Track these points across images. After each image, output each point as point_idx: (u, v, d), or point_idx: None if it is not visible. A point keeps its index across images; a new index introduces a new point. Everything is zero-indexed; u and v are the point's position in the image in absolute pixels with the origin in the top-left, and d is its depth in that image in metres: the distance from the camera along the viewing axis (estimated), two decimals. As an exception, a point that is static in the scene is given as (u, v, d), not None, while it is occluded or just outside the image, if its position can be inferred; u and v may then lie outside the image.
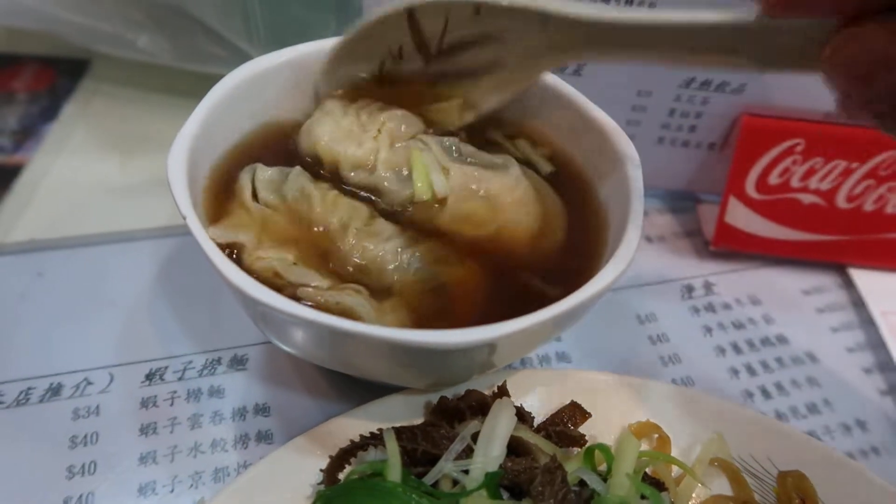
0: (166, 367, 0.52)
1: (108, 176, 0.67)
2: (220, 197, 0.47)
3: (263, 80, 0.51)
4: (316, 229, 0.45)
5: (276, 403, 0.51)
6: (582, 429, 0.44)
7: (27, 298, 0.55)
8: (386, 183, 0.47)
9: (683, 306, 0.61)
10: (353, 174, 0.48)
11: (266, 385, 0.52)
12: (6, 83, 0.75)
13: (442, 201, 0.46)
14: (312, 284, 0.42)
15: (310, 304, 0.40)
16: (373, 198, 0.48)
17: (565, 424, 0.44)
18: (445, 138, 0.49)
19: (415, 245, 0.45)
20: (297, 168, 0.47)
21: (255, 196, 0.46)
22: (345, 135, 0.48)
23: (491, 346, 0.39)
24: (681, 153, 0.66)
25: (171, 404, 0.50)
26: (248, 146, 0.51)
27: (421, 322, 0.41)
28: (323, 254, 0.44)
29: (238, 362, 0.53)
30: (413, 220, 0.46)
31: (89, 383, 0.51)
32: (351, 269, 0.44)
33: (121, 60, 0.77)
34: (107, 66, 0.78)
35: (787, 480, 0.42)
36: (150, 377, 0.52)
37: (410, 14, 0.46)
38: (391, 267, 0.44)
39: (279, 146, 0.51)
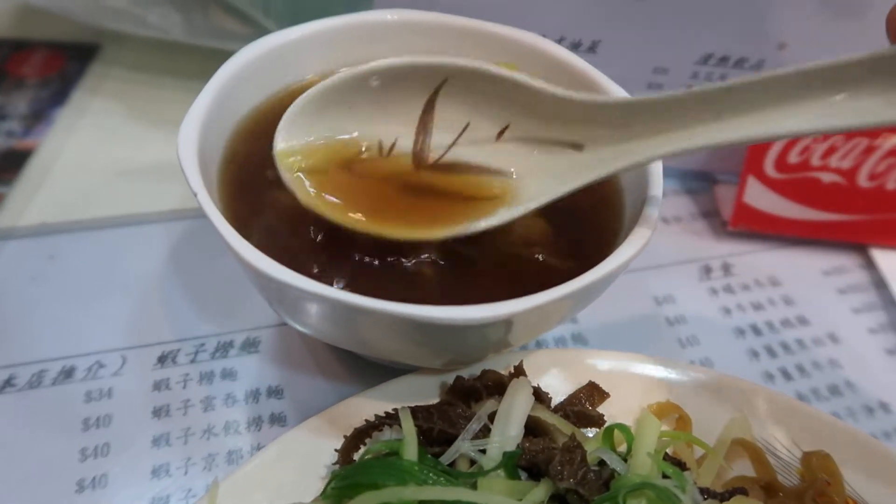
0: (178, 350, 0.52)
1: (119, 159, 0.66)
2: (235, 177, 0.46)
3: (280, 56, 0.50)
4: None
5: (289, 386, 0.50)
6: (600, 409, 0.43)
7: (39, 282, 0.55)
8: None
9: (701, 288, 0.60)
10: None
11: (279, 367, 0.51)
12: (16, 68, 0.74)
13: None
14: None
15: None
16: None
17: (583, 405, 0.43)
18: None
19: None
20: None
21: None
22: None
23: (507, 324, 0.38)
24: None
25: (184, 387, 0.50)
26: (264, 123, 0.50)
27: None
28: None
29: (251, 345, 0.52)
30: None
31: (102, 366, 0.50)
32: None
33: (131, 44, 0.77)
34: (117, 50, 0.77)
35: (812, 461, 0.41)
36: (162, 360, 0.51)
37: (429, 102, 0.42)
38: None
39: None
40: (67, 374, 0.50)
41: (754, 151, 0.61)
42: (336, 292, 0.35)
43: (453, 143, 0.44)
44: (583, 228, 0.46)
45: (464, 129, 0.44)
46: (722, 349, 0.56)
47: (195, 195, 0.40)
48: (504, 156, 0.44)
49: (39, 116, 0.69)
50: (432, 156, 0.44)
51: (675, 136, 0.38)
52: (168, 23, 0.68)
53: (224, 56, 0.47)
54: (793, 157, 0.60)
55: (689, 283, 0.61)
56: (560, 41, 0.58)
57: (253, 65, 0.49)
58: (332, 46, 0.52)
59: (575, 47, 0.58)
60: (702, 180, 0.69)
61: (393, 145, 0.45)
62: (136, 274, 0.56)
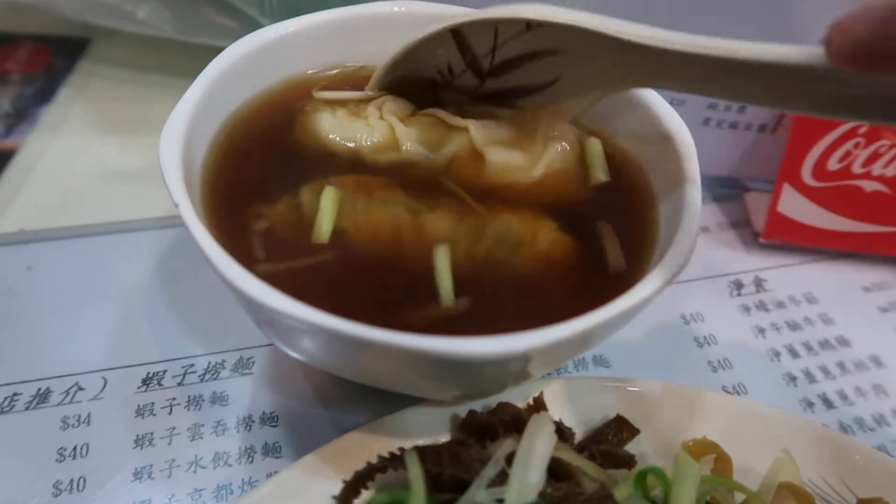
0: (165, 371, 0.47)
1: (106, 161, 0.62)
2: (220, 187, 0.42)
3: (275, 51, 0.46)
4: None
5: (285, 412, 0.46)
6: (629, 447, 0.39)
7: (14, 294, 0.51)
8: (414, 152, 0.45)
9: (732, 304, 0.56)
10: (382, 157, 0.44)
11: (274, 392, 0.47)
12: (-1, 63, 0.70)
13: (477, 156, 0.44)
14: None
15: None
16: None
17: (611, 442, 0.38)
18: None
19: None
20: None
21: None
22: (348, 123, 0.45)
23: (527, 357, 0.34)
24: (728, 136, 0.61)
25: (170, 412, 0.45)
26: (254, 127, 0.46)
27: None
28: None
29: (243, 366, 0.48)
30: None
31: (80, 389, 0.46)
32: None
33: (121, 39, 0.72)
34: (106, 45, 0.73)
35: (869, 510, 0.37)
36: (146, 382, 0.47)
37: (456, 33, 0.43)
38: None
39: (289, 128, 0.46)
40: (42, 397, 0.46)
41: (791, 157, 0.56)
42: (334, 321, 0.31)
43: (494, 48, 0.43)
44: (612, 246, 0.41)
45: (496, 39, 0.42)
46: (756, 373, 0.51)
47: (177, 206, 0.35)
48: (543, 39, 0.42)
49: (23, 115, 0.65)
50: (485, 63, 0.44)
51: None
52: (159, 19, 0.64)
53: (218, 53, 0.43)
54: (832, 164, 0.55)
55: (718, 300, 0.56)
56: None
57: (245, 61, 0.45)
58: (331, 41, 0.48)
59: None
60: (731, 187, 0.64)
61: (449, 66, 0.45)
62: (120, 287, 0.52)
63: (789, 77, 0.30)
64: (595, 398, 0.41)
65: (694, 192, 0.39)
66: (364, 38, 0.49)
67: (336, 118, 0.45)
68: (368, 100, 0.47)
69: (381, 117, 0.45)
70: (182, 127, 0.39)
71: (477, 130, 0.44)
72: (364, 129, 0.45)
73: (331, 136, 0.45)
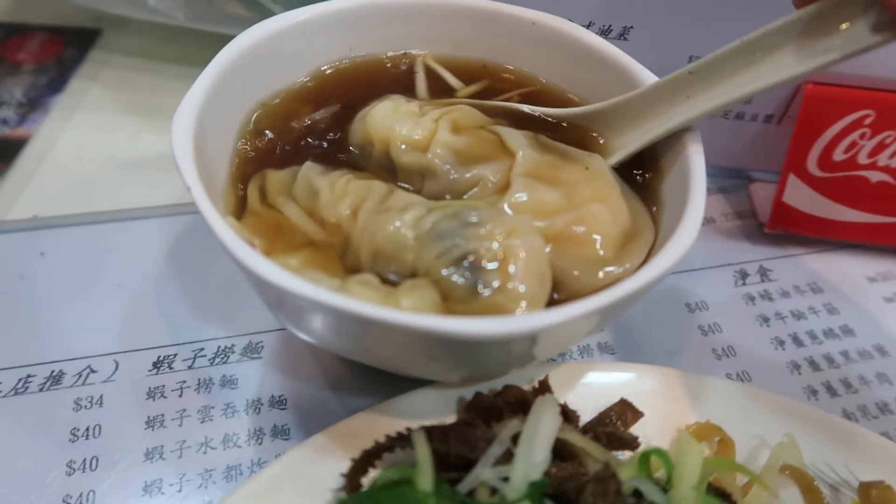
0: (175, 355, 0.48)
1: (117, 150, 0.63)
2: (245, 172, 0.43)
3: (286, 39, 0.46)
4: (329, 224, 0.40)
5: (293, 395, 0.46)
6: (633, 430, 0.39)
7: (28, 280, 0.52)
8: (438, 162, 0.42)
9: (737, 294, 0.56)
10: (403, 154, 0.43)
11: (283, 375, 0.47)
12: (12, 53, 0.71)
13: (503, 188, 0.41)
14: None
15: None
16: (413, 188, 0.43)
17: (615, 425, 0.39)
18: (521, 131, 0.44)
19: (441, 208, 0.39)
20: (307, 164, 0.43)
21: (266, 200, 0.42)
22: (402, 115, 0.44)
23: (532, 339, 0.34)
24: (733, 126, 0.61)
25: (180, 395, 0.46)
26: (272, 115, 0.46)
27: (451, 308, 0.37)
28: (341, 251, 0.40)
29: (253, 350, 0.49)
30: None
31: (93, 371, 0.47)
32: (365, 258, 0.39)
33: (132, 29, 0.73)
34: (117, 35, 0.74)
35: (871, 493, 0.37)
36: (157, 365, 0.48)
37: None
38: (411, 240, 0.38)
39: (307, 112, 0.47)
40: (56, 379, 0.46)
41: (796, 148, 0.56)
42: (342, 301, 0.31)
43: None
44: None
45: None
46: (760, 361, 0.51)
47: (189, 189, 0.36)
48: None
49: (35, 104, 0.66)
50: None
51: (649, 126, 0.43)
52: (170, 6, 0.65)
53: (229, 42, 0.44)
54: (838, 155, 0.56)
55: (723, 289, 0.56)
56: (588, 26, 0.53)
57: (257, 50, 0.45)
58: (344, 29, 0.49)
59: (604, 33, 0.54)
60: (735, 178, 0.65)
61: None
62: (132, 272, 0.52)
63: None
64: (600, 382, 0.42)
65: (699, 178, 0.39)
66: (378, 27, 0.49)
67: (398, 107, 0.45)
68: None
69: (437, 119, 0.44)
70: (193, 113, 0.40)
71: (524, 157, 0.42)
72: (409, 122, 0.44)
73: (377, 118, 0.44)
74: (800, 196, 0.58)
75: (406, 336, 0.33)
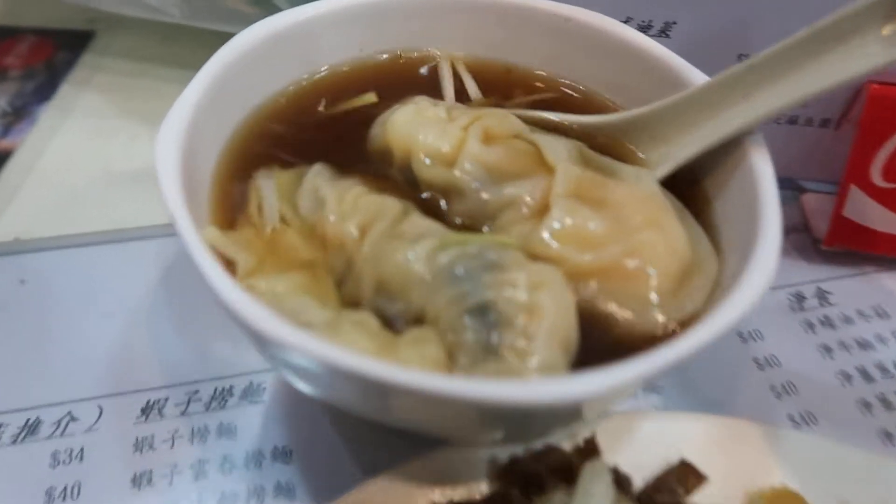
0: (167, 399, 0.43)
1: (110, 162, 0.58)
2: (233, 194, 0.37)
3: (291, 38, 0.41)
4: (332, 242, 0.35)
5: (299, 447, 0.41)
6: (697, 497, 0.34)
7: (4, 311, 0.46)
8: (467, 179, 0.37)
9: (794, 320, 0.50)
10: (426, 168, 0.37)
11: (287, 423, 0.42)
12: (-2, 58, 0.66)
13: (542, 211, 0.35)
14: (300, 319, 0.31)
15: None
16: (443, 206, 0.38)
17: (675, 492, 0.33)
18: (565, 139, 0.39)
19: (459, 243, 0.34)
20: (316, 167, 0.37)
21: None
22: (427, 121, 0.38)
23: (578, 407, 0.29)
24: (785, 132, 0.55)
25: (172, 446, 0.41)
26: (276, 118, 0.41)
27: (456, 368, 0.31)
28: (340, 276, 0.34)
29: (254, 392, 0.43)
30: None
31: (73, 419, 0.42)
32: (366, 289, 0.34)
33: (127, 30, 0.68)
34: (111, 37, 0.68)
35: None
36: (146, 411, 0.42)
37: None
38: (421, 277, 0.33)
39: (317, 123, 0.41)
40: (31, 429, 0.41)
41: (858, 156, 0.50)
42: (356, 360, 0.26)
43: None
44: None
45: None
46: (826, 400, 0.45)
47: (174, 221, 0.31)
48: None
49: (21, 113, 0.61)
50: None
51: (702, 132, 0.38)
52: (167, 3, 0.59)
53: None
54: (908, 163, 0.50)
55: (778, 315, 0.50)
56: (626, 22, 0.48)
57: (258, 50, 0.40)
58: (355, 27, 0.43)
59: (644, 30, 0.48)
60: (785, 188, 0.58)
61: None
62: (122, 302, 0.47)
63: None
64: (652, 436, 0.36)
65: (768, 196, 0.34)
66: (392, 25, 0.44)
67: (422, 112, 0.39)
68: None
69: (466, 127, 0.38)
70: (183, 126, 0.35)
71: (565, 175, 0.36)
72: (435, 130, 0.38)
73: (398, 124, 0.39)
74: (862, 209, 0.52)
75: (408, 398, 0.28)
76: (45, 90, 0.63)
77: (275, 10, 0.46)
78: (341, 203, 0.36)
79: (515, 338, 0.30)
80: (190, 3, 0.59)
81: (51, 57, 0.66)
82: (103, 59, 0.67)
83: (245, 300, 0.28)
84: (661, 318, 0.32)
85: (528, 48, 0.46)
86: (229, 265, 0.34)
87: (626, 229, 0.34)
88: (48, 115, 0.61)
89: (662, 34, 0.49)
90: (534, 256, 0.33)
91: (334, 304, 0.34)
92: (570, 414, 0.30)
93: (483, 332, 0.31)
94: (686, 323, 0.32)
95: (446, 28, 0.46)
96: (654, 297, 0.32)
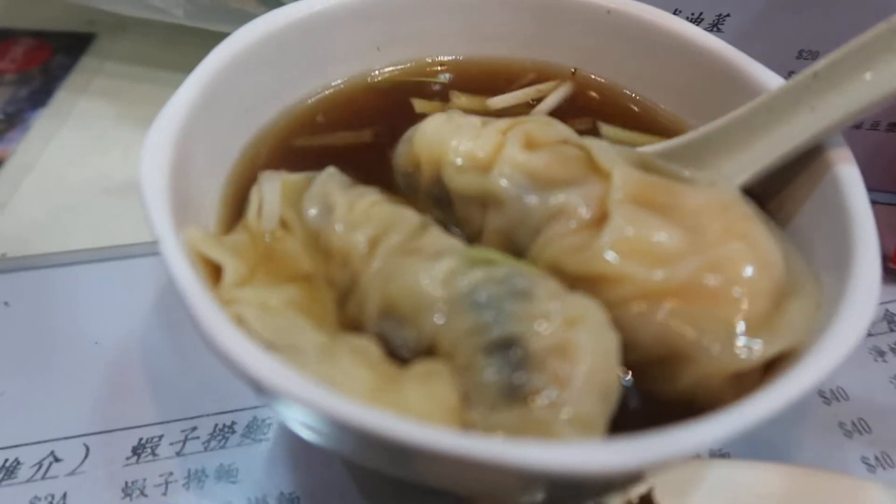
0: (160, 437, 0.38)
1: (106, 173, 0.53)
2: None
3: (295, 38, 0.37)
4: (336, 254, 0.30)
5: (307, 493, 0.36)
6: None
7: (-15, 338, 0.42)
8: (505, 185, 0.31)
9: (862, 348, 0.45)
10: (458, 175, 0.32)
11: (294, 464, 0.37)
12: (-8, 61, 0.62)
13: (598, 221, 0.30)
14: (288, 341, 0.27)
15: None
16: (471, 226, 0.33)
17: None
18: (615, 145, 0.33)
19: (485, 263, 0.29)
20: (329, 170, 0.33)
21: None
22: (459, 128, 0.33)
23: (628, 476, 0.24)
24: (848, 137, 0.49)
25: (165, 492, 0.36)
26: (281, 136, 0.37)
27: (470, 416, 0.26)
28: (342, 293, 0.30)
29: (257, 429, 0.39)
30: (541, 259, 0.30)
31: (56, 460, 0.37)
32: (371, 311, 0.29)
33: (129, 33, 0.64)
34: (112, 40, 0.64)
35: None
36: (137, 451, 0.38)
37: None
38: (438, 301, 0.28)
39: (328, 130, 0.37)
40: (9, 471, 0.37)
41: (930, 164, 0.45)
42: (380, 420, 0.21)
43: None
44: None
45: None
46: (904, 439, 0.40)
47: (157, 242, 0.26)
48: None
49: (13, 121, 0.57)
50: None
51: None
52: (170, 2, 0.55)
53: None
54: None
55: (843, 341, 0.45)
56: (675, 14, 0.43)
57: (259, 49, 0.36)
58: (369, 22, 0.39)
59: (695, 23, 0.44)
60: (843, 199, 0.53)
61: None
62: (114, 327, 0.43)
63: None
64: (715, 489, 0.31)
65: (862, 213, 0.29)
66: (413, 19, 0.39)
67: (453, 119, 0.34)
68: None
69: (505, 131, 0.33)
70: (172, 135, 0.30)
71: (623, 177, 0.30)
72: (469, 134, 0.33)
73: (427, 133, 0.34)
74: (934, 223, 0.47)
75: (416, 457, 0.23)
76: (40, 96, 0.59)
77: (276, 4, 0.42)
78: (351, 211, 0.31)
79: (545, 383, 0.25)
80: (194, 2, 0.55)
81: (48, 61, 0.62)
82: (103, 63, 0.62)
83: (217, 320, 0.23)
84: (751, 351, 0.27)
85: (564, 45, 0.41)
86: (216, 271, 0.29)
87: (705, 241, 0.28)
88: (42, 123, 0.57)
89: (714, 28, 0.44)
90: (588, 274, 0.28)
91: (332, 325, 0.29)
92: (619, 482, 0.25)
93: (506, 372, 0.26)
94: (784, 358, 0.27)
95: (475, 23, 0.41)
96: (742, 324, 0.27)
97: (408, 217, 0.31)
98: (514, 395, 0.25)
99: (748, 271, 0.27)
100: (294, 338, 0.27)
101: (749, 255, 0.28)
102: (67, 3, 0.59)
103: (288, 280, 0.30)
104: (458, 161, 0.32)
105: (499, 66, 0.42)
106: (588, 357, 0.26)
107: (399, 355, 0.28)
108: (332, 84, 0.40)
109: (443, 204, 0.33)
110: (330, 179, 0.33)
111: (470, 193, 0.32)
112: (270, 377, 0.23)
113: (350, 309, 0.30)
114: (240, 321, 0.27)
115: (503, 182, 0.31)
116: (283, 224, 0.31)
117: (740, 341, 0.27)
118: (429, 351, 0.28)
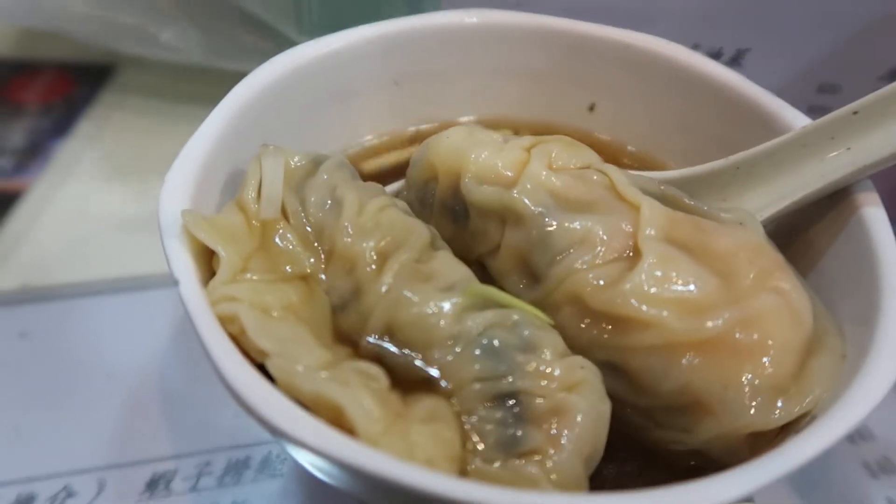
0: (175, 472, 0.38)
1: (125, 206, 0.54)
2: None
3: (314, 75, 0.37)
4: (340, 256, 0.30)
5: (323, 531, 0.36)
6: None
7: (1, 368, 0.42)
8: (527, 202, 0.30)
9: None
10: (477, 188, 0.31)
11: (309, 501, 0.37)
12: (15, 92, 0.63)
13: (624, 254, 0.29)
14: (292, 354, 0.26)
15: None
16: (487, 244, 0.33)
17: None
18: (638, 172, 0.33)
19: (496, 304, 0.28)
20: (337, 158, 0.33)
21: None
22: (479, 142, 0.33)
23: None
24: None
25: (179, 529, 0.36)
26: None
27: (466, 464, 0.26)
28: (342, 299, 0.29)
29: (273, 465, 0.38)
30: (554, 290, 0.30)
31: (70, 495, 0.37)
32: (374, 326, 0.28)
33: (150, 66, 0.65)
34: (134, 73, 0.65)
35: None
36: (151, 486, 0.37)
37: None
38: (446, 337, 0.27)
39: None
40: (23, 506, 0.37)
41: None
42: (375, 460, 0.21)
43: None
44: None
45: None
46: (932, 481, 0.39)
47: (176, 283, 0.26)
48: None
49: (36, 151, 0.57)
50: None
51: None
52: (186, 42, 0.56)
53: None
54: None
55: (867, 378, 0.44)
56: (695, 48, 0.43)
57: (278, 87, 0.36)
58: (387, 59, 0.39)
59: (714, 58, 0.43)
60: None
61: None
62: (130, 360, 0.43)
63: None
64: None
65: (891, 263, 0.28)
66: (430, 57, 0.40)
67: (473, 133, 0.33)
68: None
69: (529, 148, 0.32)
70: (192, 173, 0.30)
71: (652, 212, 0.29)
72: (490, 148, 0.32)
73: (445, 144, 0.33)
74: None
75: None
76: (62, 126, 0.60)
77: (289, 43, 0.43)
78: (361, 213, 0.30)
79: (540, 442, 0.26)
80: (210, 42, 0.56)
81: (69, 92, 0.63)
82: (125, 96, 0.63)
83: (253, 382, 0.23)
84: (777, 410, 0.26)
85: (577, 80, 0.41)
86: (210, 256, 0.29)
87: (738, 290, 0.28)
88: (63, 154, 0.57)
89: (734, 63, 0.44)
90: (615, 315, 0.28)
91: (328, 335, 0.29)
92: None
93: (508, 427, 0.26)
94: (807, 415, 0.26)
95: (488, 60, 0.41)
96: (769, 383, 0.26)
97: (418, 231, 0.31)
98: (511, 448, 0.26)
99: (781, 328, 0.27)
100: (296, 350, 0.27)
101: (783, 311, 0.27)
102: (88, 44, 0.61)
103: (285, 279, 0.30)
104: (480, 173, 0.31)
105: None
106: (582, 424, 0.26)
107: (394, 374, 0.28)
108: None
109: (458, 216, 0.33)
110: (338, 169, 0.32)
111: (489, 207, 0.31)
112: (315, 442, 0.22)
113: (348, 318, 0.29)
114: (232, 321, 0.27)
115: (526, 199, 0.30)
116: (282, 211, 0.31)
117: (767, 401, 0.26)
118: (427, 379, 0.28)
